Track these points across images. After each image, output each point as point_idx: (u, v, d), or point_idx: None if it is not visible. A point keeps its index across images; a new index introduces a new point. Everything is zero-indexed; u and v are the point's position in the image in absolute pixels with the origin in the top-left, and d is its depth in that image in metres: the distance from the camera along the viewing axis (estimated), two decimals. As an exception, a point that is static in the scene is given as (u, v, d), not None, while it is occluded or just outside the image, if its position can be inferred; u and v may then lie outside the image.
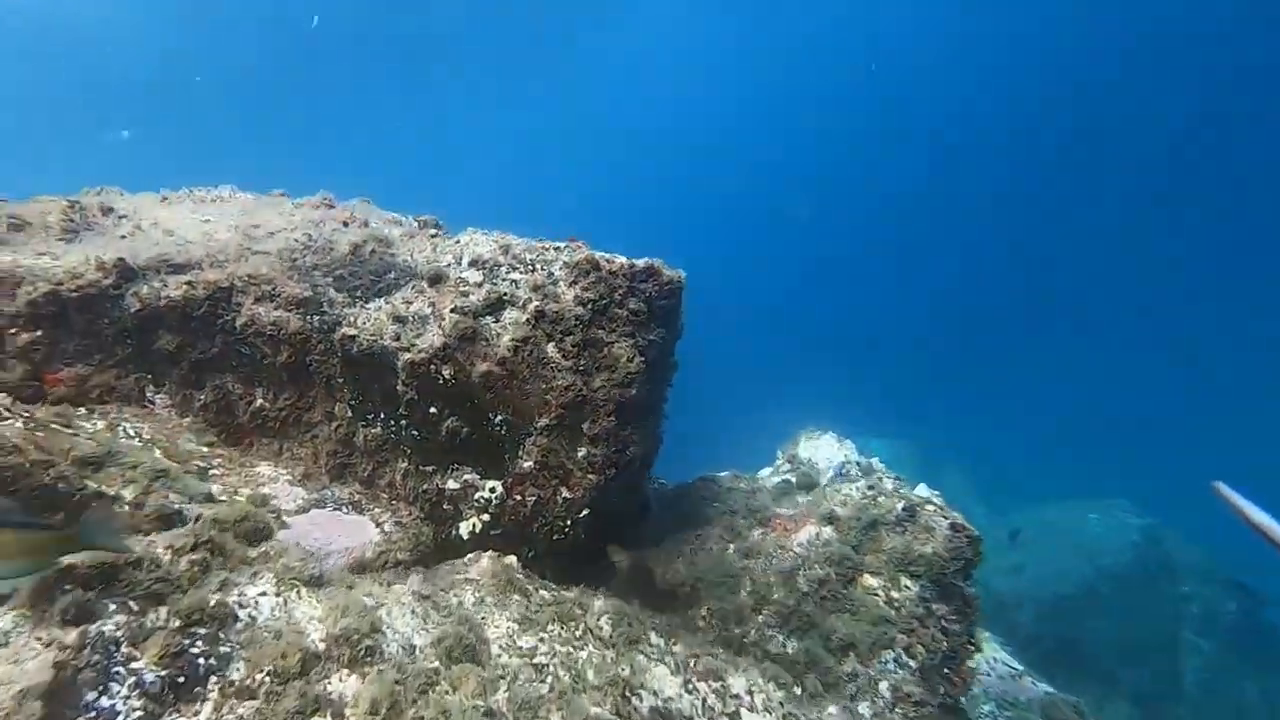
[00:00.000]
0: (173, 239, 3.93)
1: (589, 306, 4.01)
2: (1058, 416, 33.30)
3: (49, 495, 2.23)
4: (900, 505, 4.37)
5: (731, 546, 4.43)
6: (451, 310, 3.75)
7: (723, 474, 6.52)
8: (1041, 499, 17.53)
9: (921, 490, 4.65)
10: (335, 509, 3.45)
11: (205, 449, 3.41)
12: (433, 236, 4.53)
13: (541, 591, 3.19)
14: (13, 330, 3.37)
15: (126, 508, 2.38)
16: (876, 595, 4.07)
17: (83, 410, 3.27)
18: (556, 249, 4.31)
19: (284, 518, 3.17)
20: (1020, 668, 7.64)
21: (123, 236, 3.90)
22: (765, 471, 6.44)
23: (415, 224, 5.48)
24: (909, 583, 4.08)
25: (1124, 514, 14.98)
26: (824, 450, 5.81)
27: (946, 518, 4.31)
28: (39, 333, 3.37)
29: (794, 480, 5.67)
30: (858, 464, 5.45)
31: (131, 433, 3.15)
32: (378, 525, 3.41)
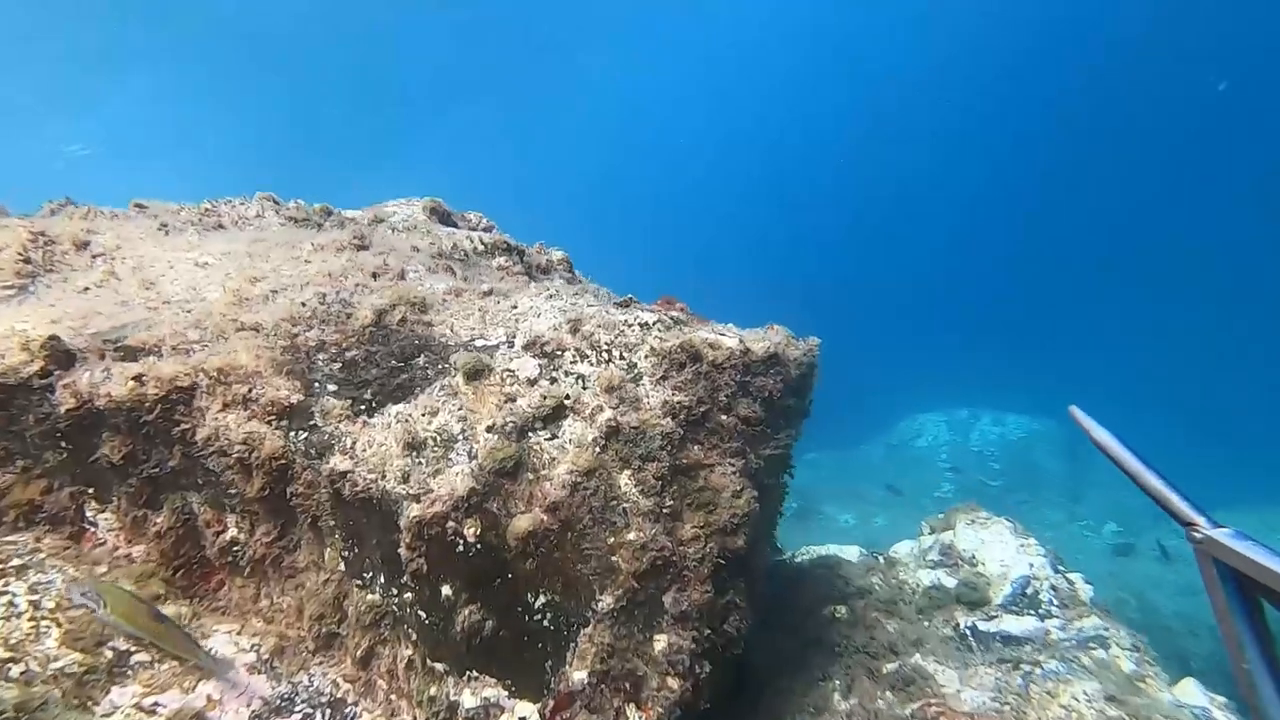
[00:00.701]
0: (146, 296, 3.00)
1: (682, 417, 2.86)
2: (1252, 398, 26.63)
3: None
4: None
5: (865, 759, 3.16)
6: (489, 429, 2.65)
7: (850, 553, 5.25)
8: (1231, 501, 14.29)
9: (1189, 689, 3.13)
10: (307, 712, 2.43)
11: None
12: (486, 294, 3.45)
13: None
14: (-85, 423, 2.51)
15: None
16: None
17: (-19, 550, 2.36)
18: (643, 325, 3.15)
19: (222, 748, 2.16)
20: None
21: (85, 289, 3.00)
22: (904, 549, 5.08)
23: (480, 244, 4.45)
24: None
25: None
26: (996, 547, 4.34)
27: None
28: (-57, 431, 2.49)
29: (951, 587, 4.31)
30: (1052, 586, 4.00)
31: (22, 604, 2.21)
32: (361, 749, 2.37)
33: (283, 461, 2.49)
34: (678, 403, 2.88)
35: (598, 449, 2.71)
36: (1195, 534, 1.27)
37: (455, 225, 5.42)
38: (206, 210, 4.16)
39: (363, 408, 2.70)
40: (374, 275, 3.42)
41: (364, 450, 2.50)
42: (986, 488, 20.17)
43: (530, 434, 2.73)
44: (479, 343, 3.12)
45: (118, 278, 3.11)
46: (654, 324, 3.15)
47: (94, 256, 3.23)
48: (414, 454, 2.52)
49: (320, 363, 2.84)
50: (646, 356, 3.01)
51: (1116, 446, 1.43)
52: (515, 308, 3.31)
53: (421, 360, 2.98)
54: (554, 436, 2.75)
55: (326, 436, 2.55)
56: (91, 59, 26.93)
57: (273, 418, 2.54)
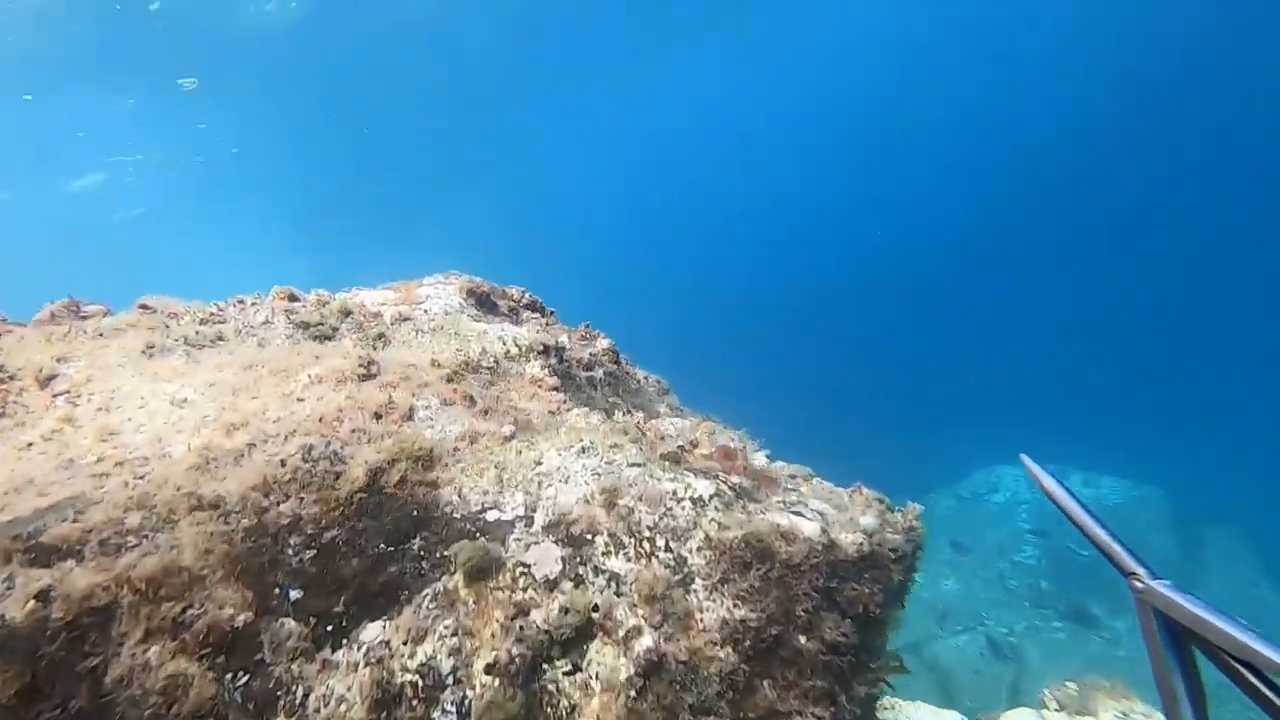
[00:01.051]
0: (101, 451, 2.49)
1: (747, 643, 2.14)
2: None
3: None
4: None
5: None
6: (488, 667, 1.98)
7: None
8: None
9: None
10: None
11: None
12: (507, 440, 2.82)
13: None
14: None
15: None
16: None
17: None
18: (696, 500, 2.46)
19: None
20: None
21: (28, 445, 2.51)
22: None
23: (513, 347, 3.86)
24: None
25: None
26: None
27: None
28: None
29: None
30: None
31: None
32: None
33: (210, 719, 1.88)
34: (741, 621, 2.16)
35: (633, 694, 2.01)
36: (1136, 584, 1.28)
37: (495, 305, 4.89)
38: (211, 314, 3.72)
39: (329, 628, 2.08)
40: (376, 415, 2.84)
41: (317, 711, 1.87)
42: (1076, 557, 18.43)
43: (545, 667, 2.05)
44: (491, 515, 2.48)
45: (75, 425, 2.62)
46: (710, 499, 2.44)
47: (55, 395, 2.76)
48: (384, 715, 1.87)
49: (290, 551, 2.25)
50: (700, 549, 2.31)
51: (1063, 495, 1.42)
52: (539, 464, 2.67)
53: (417, 544, 2.36)
54: (575, 670, 2.07)
55: (272, 684, 1.93)
56: (150, 99, 28.18)
57: (208, 650, 1.94)
